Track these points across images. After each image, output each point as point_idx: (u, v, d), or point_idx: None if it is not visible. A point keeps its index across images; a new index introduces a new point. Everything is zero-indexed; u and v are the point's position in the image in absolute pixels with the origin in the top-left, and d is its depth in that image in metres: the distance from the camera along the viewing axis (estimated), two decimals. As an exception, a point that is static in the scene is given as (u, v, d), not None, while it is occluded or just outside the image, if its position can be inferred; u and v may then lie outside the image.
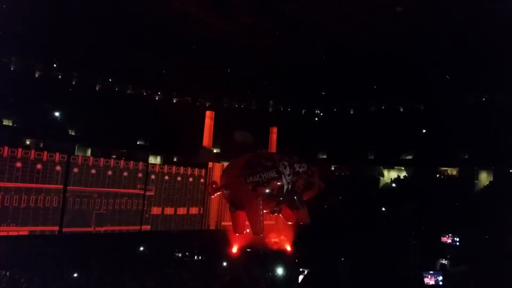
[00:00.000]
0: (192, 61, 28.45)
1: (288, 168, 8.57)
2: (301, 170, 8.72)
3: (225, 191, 8.53)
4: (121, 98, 31.94)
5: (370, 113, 35.20)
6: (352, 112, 36.70)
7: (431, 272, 5.42)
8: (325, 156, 32.99)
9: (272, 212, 9.51)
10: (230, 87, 32.24)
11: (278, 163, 8.23)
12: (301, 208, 9.19)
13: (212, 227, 14.46)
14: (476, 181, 27.78)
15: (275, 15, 23.89)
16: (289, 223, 10.38)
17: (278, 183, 8.02)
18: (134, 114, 28.98)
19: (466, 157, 28.42)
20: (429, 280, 5.16)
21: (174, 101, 36.20)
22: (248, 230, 9.19)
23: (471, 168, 28.29)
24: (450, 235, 10.14)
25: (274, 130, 20.09)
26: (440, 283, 4.90)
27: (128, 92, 34.05)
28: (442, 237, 10.19)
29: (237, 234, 10.04)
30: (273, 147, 19.66)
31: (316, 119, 37.67)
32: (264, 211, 8.37)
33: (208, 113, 17.43)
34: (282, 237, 12.63)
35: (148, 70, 29.73)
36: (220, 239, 13.20)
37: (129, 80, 33.05)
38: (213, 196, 10.68)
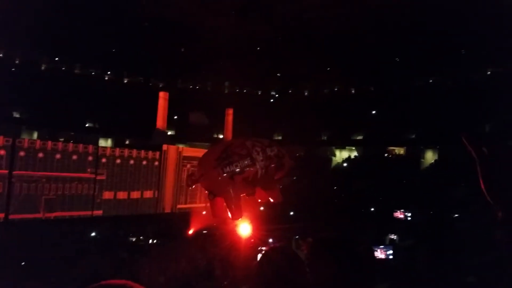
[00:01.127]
0: (144, 40, 27.53)
1: (260, 154, 8.94)
2: (272, 154, 9.11)
3: (203, 182, 8.77)
4: (68, 78, 30.40)
5: (324, 95, 35.88)
6: (306, 94, 37.24)
7: (382, 246, 5.67)
8: (280, 138, 33.37)
9: (248, 195, 9.85)
10: (185, 67, 31.61)
11: (252, 150, 8.54)
12: (274, 188, 9.61)
13: (168, 210, 14.25)
14: (422, 160, 29.32)
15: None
16: (259, 200, 10.77)
17: (253, 170, 8.37)
18: (83, 95, 27.72)
19: (413, 137, 29.85)
20: (379, 254, 5.40)
21: (125, 81, 34.99)
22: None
23: (417, 148, 29.81)
24: (402, 210, 10.63)
25: (230, 111, 19.94)
26: (390, 257, 5.15)
27: (76, 71, 32.46)
28: (394, 213, 10.68)
29: (216, 219, 10.31)
30: (229, 128, 19.55)
31: (272, 100, 37.89)
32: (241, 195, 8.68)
33: (161, 94, 16.90)
34: (242, 218, 12.74)
35: (97, 48, 28.44)
36: (176, 222, 13.08)
37: (77, 59, 31.47)
38: (191, 188, 10.92)
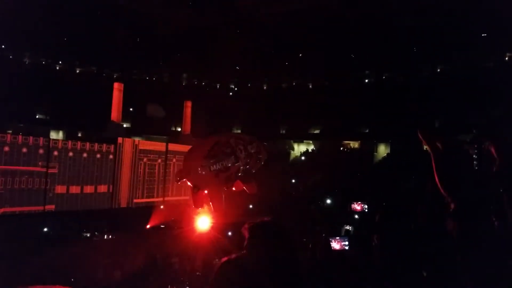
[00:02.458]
0: (99, 29, 26.53)
1: (243, 151, 9.61)
2: (253, 151, 9.85)
3: (189, 177, 9.57)
4: (18, 67, 28.74)
5: (282, 89, 36.21)
6: (265, 87, 37.42)
7: (337, 237, 5.86)
8: (239, 131, 33.38)
9: (227, 188, 10.52)
10: (141, 58, 30.80)
11: (236, 149, 9.28)
12: (251, 181, 10.44)
13: (123, 205, 13.89)
14: (375, 153, 30.39)
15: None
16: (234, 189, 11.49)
17: (236, 167, 9.10)
18: (33, 85, 26.32)
19: (367, 131, 30.87)
20: (335, 245, 5.58)
21: (78, 71, 33.61)
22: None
23: (371, 142, 30.87)
24: (359, 202, 10.97)
25: (188, 104, 19.68)
26: (346, 247, 5.34)
27: (25, 60, 30.75)
28: (352, 205, 11.02)
29: (197, 208, 10.93)
30: (187, 121, 19.32)
31: (231, 94, 37.78)
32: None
33: (116, 85, 16.35)
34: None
35: (49, 37, 27.07)
36: (132, 217, 12.81)
37: (27, 47, 29.79)
38: (178, 183, 11.77)
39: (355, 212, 10.53)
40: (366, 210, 10.36)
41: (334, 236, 5.53)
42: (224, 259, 1.88)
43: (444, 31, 25.03)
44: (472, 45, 25.34)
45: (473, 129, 23.22)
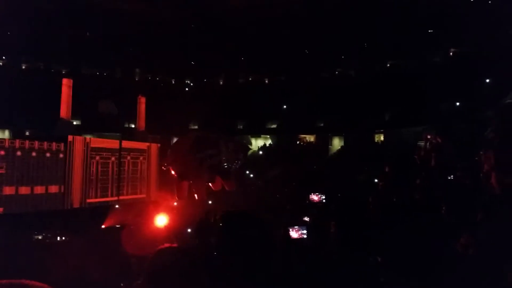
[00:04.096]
0: (46, 22, 25.29)
1: (224, 146, 10.80)
2: (231, 148, 11.02)
3: (174, 166, 10.39)
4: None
5: (239, 84, 36.22)
6: (221, 82, 37.26)
7: (296, 227, 6.02)
8: (196, 127, 33.12)
9: (209, 181, 11.26)
10: (91, 52, 29.67)
11: (218, 142, 10.22)
12: (230, 178, 11.27)
13: (76, 205, 13.40)
14: (330, 146, 31.22)
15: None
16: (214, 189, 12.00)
17: (218, 159, 10.15)
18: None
19: (322, 125, 31.61)
20: (294, 234, 5.74)
21: (23, 67, 31.89)
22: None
23: (325, 135, 31.67)
24: (317, 193, 11.23)
25: (143, 100, 19.21)
26: (304, 236, 5.51)
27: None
28: (310, 196, 11.28)
29: (180, 199, 11.67)
30: (141, 117, 18.85)
31: (187, 89, 37.30)
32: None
33: (65, 81, 15.65)
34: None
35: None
36: (86, 217, 12.40)
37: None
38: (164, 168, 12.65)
39: (313, 202, 10.79)
40: (324, 201, 10.68)
41: (292, 226, 5.68)
42: (165, 245, 1.91)
43: (394, 26, 26.01)
44: (421, 40, 26.53)
45: (423, 122, 24.41)
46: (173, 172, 11.87)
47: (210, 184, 12.16)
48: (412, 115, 25.30)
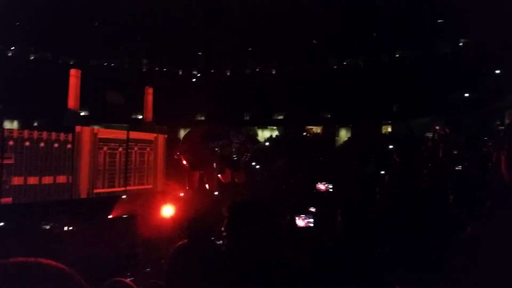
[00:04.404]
0: (53, 13, 25.33)
1: (234, 137, 11.00)
2: (241, 139, 11.23)
3: (186, 155, 10.55)
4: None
5: (245, 76, 36.14)
6: (228, 73, 37.20)
7: (302, 215, 6.03)
8: (203, 118, 33.16)
9: (219, 173, 11.49)
10: (99, 43, 29.74)
11: (229, 133, 10.38)
12: (240, 170, 11.42)
13: (84, 195, 13.50)
14: (337, 138, 31.10)
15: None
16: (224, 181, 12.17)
17: (229, 150, 10.32)
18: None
19: (329, 116, 31.47)
20: (300, 222, 5.76)
21: (31, 58, 32.06)
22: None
23: (332, 126, 31.55)
24: (324, 183, 11.20)
25: (150, 91, 19.18)
26: (311, 224, 5.52)
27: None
28: (316, 185, 11.28)
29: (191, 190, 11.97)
30: (148, 108, 18.85)
31: (194, 80, 37.30)
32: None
33: (73, 71, 15.67)
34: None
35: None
36: (94, 207, 12.48)
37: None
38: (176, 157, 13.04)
39: (320, 192, 10.78)
40: (331, 190, 10.67)
41: (299, 214, 5.68)
42: (180, 243, 1.90)
43: (402, 17, 25.70)
44: (429, 31, 26.21)
45: (430, 114, 24.20)
46: (184, 162, 12.00)
47: (219, 176, 12.25)
48: (419, 106, 25.10)
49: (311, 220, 5.44)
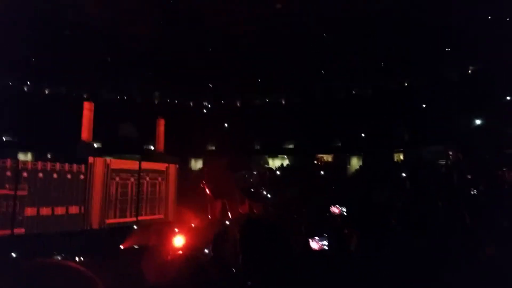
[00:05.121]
0: (66, 48, 26.17)
1: (255, 169, 11.56)
2: (261, 171, 11.80)
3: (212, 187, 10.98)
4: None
5: (256, 106, 36.49)
6: (238, 104, 37.61)
7: (317, 238, 5.93)
8: (214, 148, 33.33)
9: (240, 203, 11.73)
10: (111, 77, 30.49)
11: (250, 165, 10.95)
12: (259, 200, 11.82)
13: (95, 226, 13.51)
14: (348, 166, 30.89)
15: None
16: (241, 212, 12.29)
17: (250, 180, 10.92)
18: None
19: (339, 144, 31.40)
20: (314, 245, 5.67)
21: (46, 92, 32.91)
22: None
23: (343, 155, 31.41)
24: (337, 206, 11.13)
25: (162, 122, 19.50)
26: (325, 247, 5.42)
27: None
28: (330, 208, 11.20)
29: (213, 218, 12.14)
30: (160, 139, 19.11)
31: (205, 111, 37.76)
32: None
33: (86, 104, 16.07)
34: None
35: (15, 57, 26.46)
36: (105, 237, 12.46)
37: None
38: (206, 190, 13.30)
39: (333, 215, 10.67)
40: (345, 213, 10.55)
41: (312, 237, 5.59)
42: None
43: (410, 45, 25.98)
44: (438, 58, 26.39)
45: (442, 141, 24.02)
46: (207, 191, 12.29)
47: (240, 206, 12.32)
48: (431, 133, 24.95)
49: (326, 242, 5.36)
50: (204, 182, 10.68)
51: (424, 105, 26.29)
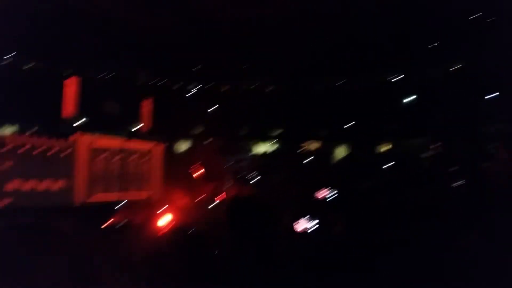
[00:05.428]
0: (51, 22, 25.50)
1: (246, 154, 12.05)
2: (251, 156, 12.35)
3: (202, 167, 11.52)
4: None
5: (243, 90, 36.25)
6: (226, 88, 37.29)
7: (302, 219, 6.08)
8: (200, 130, 33.18)
9: (229, 186, 12.23)
10: (97, 53, 29.83)
11: (241, 150, 11.38)
12: (248, 185, 12.36)
13: (80, 203, 13.44)
14: (334, 154, 31.30)
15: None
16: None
17: (241, 164, 11.46)
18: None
19: (325, 133, 31.72)
20: (300, 227, 5.81)
21: (28, 66, 32.04)
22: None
23: (329, 143, 31.76)
24: (323, 190, 11.33)
25: (148, 102, 19.36)
26: (310, 229, 5.55)
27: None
28: (316, 192, 11.41)
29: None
30: (147, 119, 19.00)
31: (191, 92, 37.37)
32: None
33: (70, 80, 15.78)
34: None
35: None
36: (90, 215, 12.40)
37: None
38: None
39: (321, 199, 10.89)
40: (329, 198, 10.76)
41: (298, 218, 5.71)
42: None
43: (400, 40, 26.04)
44: (426, 52, 26.55)
45: (426, 134, 24.42)
46: (197, 174, 12.54)
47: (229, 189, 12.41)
48: (417, 126, 25.30)
49: (311, 225, 5.47)
50: (196, 164, 10.96)
51: (412, 97, 26.52)
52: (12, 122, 27.45)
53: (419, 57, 26.87)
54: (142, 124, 19.45)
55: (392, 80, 30.97)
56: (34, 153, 12.12)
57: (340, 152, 31.41)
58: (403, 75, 29.96)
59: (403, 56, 27.21)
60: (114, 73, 34.81)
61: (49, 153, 12.58)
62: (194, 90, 37.63)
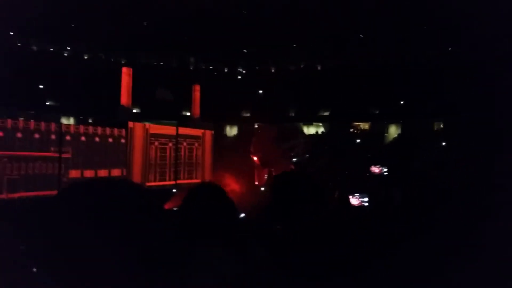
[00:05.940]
0: (105, 13, 26.45)
1: (302, 139, 12.22)
2: (305, 141, 12.52)
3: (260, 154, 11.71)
4: (26, 55, 28.85)
5: (290, 72, 35.87)
6: (273, 70, 37.09)
7: (356, 194, 5.95)
8: (248, 114, 33.34)
9: (287, 169, 12.46)
10: (148, 42, 30.69)
11: (298, 135, 11.58)
12: (302, 169, 12.51)
13: (136, 188, 14.03)
14: (386, 134, 30.23)
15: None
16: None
17: (296, 150, 11.50)
18: (41, 72, 26.48)
19: (377, 112, 30.63)
20: (354, 201, 5.68)
21: (86, 57, 33.62)
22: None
23: (381, 122, 30.70)
24: (378, 166, 11.09)
25: (197, 88, 19.67)
26: (365, 204, 5.42)
27: (34, 48, 30.80)
28: (371, 168, 11.18)
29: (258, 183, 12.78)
30: (196, 105, 19.34)
31: (239, 77, 37.56)
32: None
33: (125, 70, 16.38)
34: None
35: (56, 24, 27.05)
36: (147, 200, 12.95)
37: (34, 35, 29.82)
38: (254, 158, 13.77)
39: (375, 174, 10.67)
40: (385, 173, 10.46)
41: (353, 193, 5.57)
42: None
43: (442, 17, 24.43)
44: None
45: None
46: (255, 159, 12.79)
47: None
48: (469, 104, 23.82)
49: (366, 199, 5.32)
50: (252, 150, 11.12)
51: (465, 73, 24.91)
52: (71, 113, 29.11)
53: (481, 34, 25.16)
54: (192, 111, 19.84)
55: (449, 52, 29.32)
56: (93, 141, 12.76)
57: (392, 132, 30.40)
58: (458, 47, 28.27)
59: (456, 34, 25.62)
60: (163, 62, 35.78)
61: (107, 141, 13.19)
62: (240, 75, 37.86)
